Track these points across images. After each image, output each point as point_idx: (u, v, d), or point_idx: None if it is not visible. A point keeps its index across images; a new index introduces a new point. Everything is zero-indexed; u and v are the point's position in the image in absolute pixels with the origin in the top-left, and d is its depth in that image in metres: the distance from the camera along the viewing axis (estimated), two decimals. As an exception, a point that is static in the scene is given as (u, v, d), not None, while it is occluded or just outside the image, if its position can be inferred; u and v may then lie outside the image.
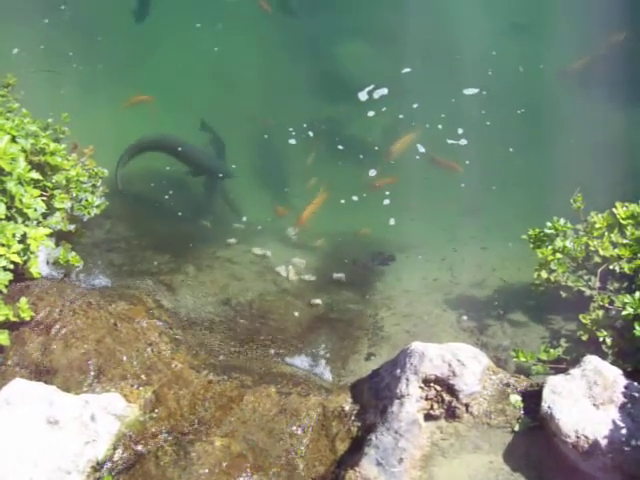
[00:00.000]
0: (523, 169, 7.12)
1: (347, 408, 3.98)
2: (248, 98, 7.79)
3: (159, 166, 7.00)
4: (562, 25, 7.64)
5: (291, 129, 7.37)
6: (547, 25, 7.96)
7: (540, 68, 7.94)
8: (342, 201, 6.67)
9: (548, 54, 7.96)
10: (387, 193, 6.55)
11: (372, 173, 6.89)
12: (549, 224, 4.81)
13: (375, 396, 3.95)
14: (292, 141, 7.29)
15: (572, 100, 7.43)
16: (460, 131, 7.21)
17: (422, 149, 7.18)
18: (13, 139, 4.83)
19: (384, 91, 7.62)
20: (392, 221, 6.32)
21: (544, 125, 7.29)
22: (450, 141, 7.18)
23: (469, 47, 7.87)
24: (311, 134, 7.42)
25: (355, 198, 6.70)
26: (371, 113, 7.51)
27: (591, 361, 3.72)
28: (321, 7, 8.74)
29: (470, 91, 7.55)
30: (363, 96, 7.62)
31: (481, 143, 7.12)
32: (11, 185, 4.54)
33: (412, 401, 3.75)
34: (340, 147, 7.38)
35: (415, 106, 7.45)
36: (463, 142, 7.15)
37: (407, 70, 7.75)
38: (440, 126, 7.31)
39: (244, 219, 6.53)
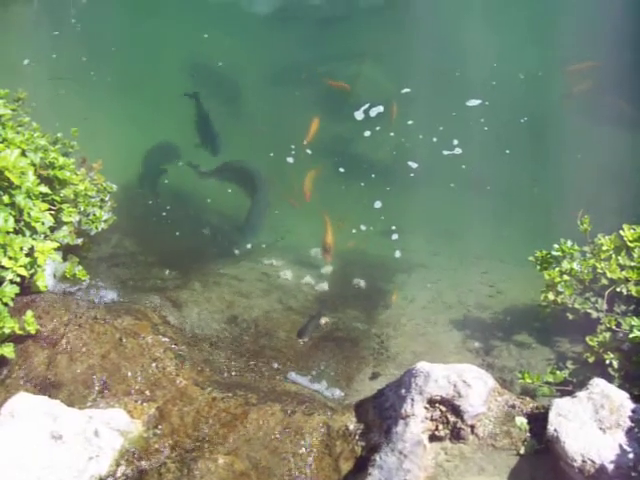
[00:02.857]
0: (528, 189, 7.12)
1: (351, 427, 3.96)
2: (248, 113, 7.82)
3: (166, 182, 7.01)
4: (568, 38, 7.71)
5: (292, 146, 7.36)
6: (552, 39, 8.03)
7: (540, 76, 7.98)
8: (353, 230, 6.65)
9: (553, 66, 8.02)
10: (393, 228, 6.52)
11: (377, 205, 6.83)
12: (556, 246, 4.82)
13: (380, 416, 3.93)
14: (290, 159, 7.27)
15: (578, 122, 7.44)
16: (455, 142, 7.22)
17: (414, 165, 7.16)
18: (23, 153, 4.86)
19: (380, 109, 7.65)
20: (398, 253, 6.29)
21: (549, 147, 7.29)
22: (446, 152, 7.19)
23: (471, 62, 7.92)
24: (309, 152, 7.40)
25: (363, 227, 6.67)
26: (367, 133, 7.52)
27: (598, 384, 3.70)
28: (323, 27, 8.82)
29: (473, 102, 7.58)
30: (359, 115, 7.65)
31: (488, 164, 7.11)
32: (20, 198, 4.56)
33: (417, 421, 3.73)
34: (341, 169, 7.35)
35: (410, 123, 7.47)
36: (458, 152, 7.16)
37: (407, 90, 7.79)
38: (435, 139, 7.31)
39: (246, 248, 6.45)
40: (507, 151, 7.23)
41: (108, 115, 7.66)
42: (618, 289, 4.61)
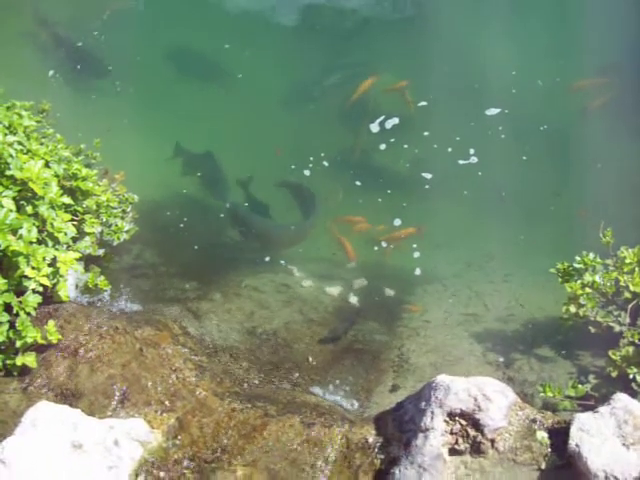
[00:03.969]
0: (548, 200, 7.08)
1: (371, 440, 3.94)
2: (266, 126, 7.84)
3: (186, 193, 7.06)
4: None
5: (311, 158, 7.36)
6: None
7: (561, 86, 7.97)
8: (375, 248, 6.65)
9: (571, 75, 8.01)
10: (414, 246, 6.50)
11: (397, 222, 6.82)
12: (578, 258, 4.77)
13: (399, 429, 3.91)
14: (307, 172, 7.27)
15: (598, 134, 7.39)
16: (472, 151, 7.20)
17: (431, 175, 7.14)
18: (46, 164, 4.92)
19: (395, 121, 7.65)
20: (418, 271, 6.26)
21: (569, 155, 7.26)
22: (462, 161, 7.16)
23: (490, 71, 7.93)
24: (326, 164, 7.40)
25: (384, 244, 6.66)
26: (383, 146, 7.53)
27: (621, 399, 3.65)
28: (343, 40, 8.89)
29: (492, 111, 7.57)
30: (375, 127, 7.66)
31: (505, 173, 7.08)
32: (43, 209, 4.60)
33: (436, 435, 3.70)
34: (358, 183, 7.34)
35: (426, 134, 7.46)
36: (474, 160, 7.13)
37: (424, 103, 7.79)
38: (450, 149, 7.28)
39: (266, 259, 6.42)
40: (524, 157, 7.21)
41: (131, 126, 7.74)
42: (641, 303, 4.57)
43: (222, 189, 7.15)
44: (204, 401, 4.23)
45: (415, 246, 6.47)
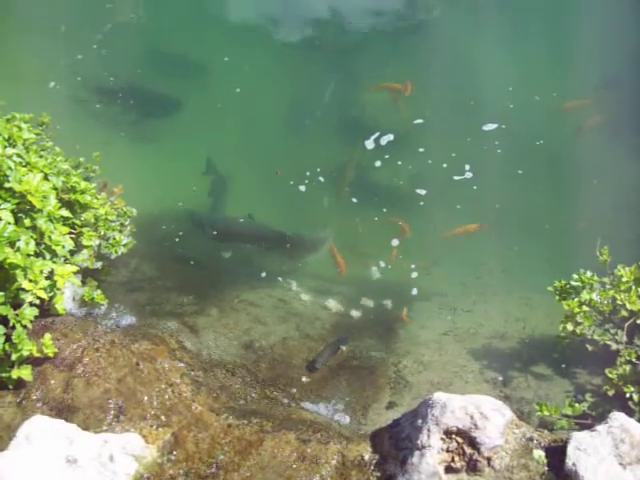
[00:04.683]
0: (545, 218, 7.09)
1: (367, 457, 3.93)
2: (264, 140, 7.85)
3: (184, 207, 7.06)
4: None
5: (307, 173, 7.36)
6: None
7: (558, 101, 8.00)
8: (374, 268, 6.63)
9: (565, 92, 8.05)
10: (413, 266, 6.49)
11: (395, 243, 6.79)
12: (575, 276, 4.79)
13: (395, 446, 3.90)
14: (302, 187, 7.27)
15: (594, 151, 7.41)
16: (467, 166, 7.21)
17: (422, 192, 7.14)
18: (45, 177, 4.92)
19: (390, 137, 7.67)
20: (415, 291, 6.25)
21: (566, 175, 7.27)
22: (456, 177, 7.17)
23: (487, 86, 7.97)
24: (322, 179, 7.40)
25: (382, 264, 6.65)
26: (378, 163, 7.54)
27: (617, 418, 3.64)
28: (340, 57, 8.94)
29: (489, 127, 7.60)
30: (370, 144, 7.67)
31: (502, 188, 7.09)
32: (41, 222, 4.60)
33: (433, 453, 3.69)
34: (354, 200, 7.34)
35: (421, 150, 7.47)
36: (470, 178, 7.13)
37: (419, 121, 7.81)
38: (445, 165, 7.29)
39: (263, 275, 6.41)
40: (520, 171, 7.23)
41: (130, 139, 7.75)
42: (638, 321, 4.57)
43: (218, 211, 7.26)
44: (200, 416, 4.21)
45: (413, 266, 6.46)
